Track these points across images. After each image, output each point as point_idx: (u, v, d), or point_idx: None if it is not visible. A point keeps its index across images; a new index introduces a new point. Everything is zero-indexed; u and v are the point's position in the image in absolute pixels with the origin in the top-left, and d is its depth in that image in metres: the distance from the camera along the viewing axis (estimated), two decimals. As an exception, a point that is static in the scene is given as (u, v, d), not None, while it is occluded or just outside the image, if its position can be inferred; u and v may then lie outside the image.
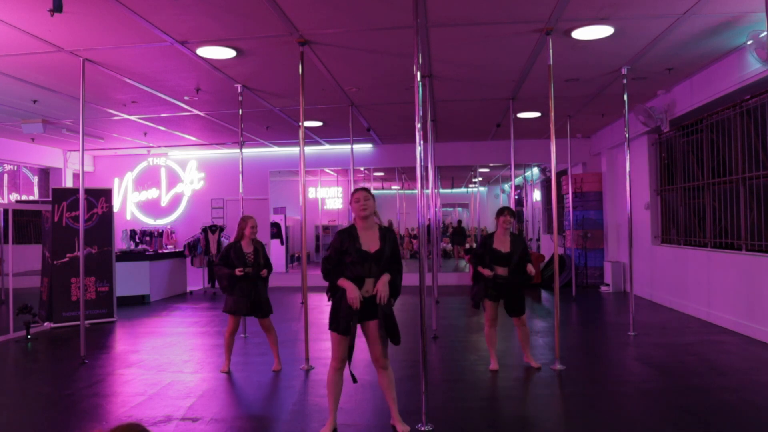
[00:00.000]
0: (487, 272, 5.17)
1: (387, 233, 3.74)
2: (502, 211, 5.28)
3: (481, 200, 19.33)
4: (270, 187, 13.01)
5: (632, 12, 5.10)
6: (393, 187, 16.88)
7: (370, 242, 3.66)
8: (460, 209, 21.81)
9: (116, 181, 13.27)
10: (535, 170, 16.27)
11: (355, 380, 3.82)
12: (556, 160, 5.75)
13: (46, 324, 8.00)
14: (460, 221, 20.07)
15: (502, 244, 5.22)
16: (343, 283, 3.61)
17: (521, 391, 4.84)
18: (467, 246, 17.63)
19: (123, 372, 5.56)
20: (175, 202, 13.26)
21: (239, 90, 7.27)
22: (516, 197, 15.41)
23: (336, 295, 3.70)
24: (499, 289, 5.22)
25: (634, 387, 4.78)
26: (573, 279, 10.43)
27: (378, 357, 3.75)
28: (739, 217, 7.04)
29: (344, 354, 3.70)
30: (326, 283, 3.77)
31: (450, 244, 19.25)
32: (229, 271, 5.30)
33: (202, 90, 7.49)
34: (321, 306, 9.59)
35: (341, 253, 3.64)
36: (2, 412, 4.46)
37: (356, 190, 3.75)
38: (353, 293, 3.57)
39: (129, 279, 10.06)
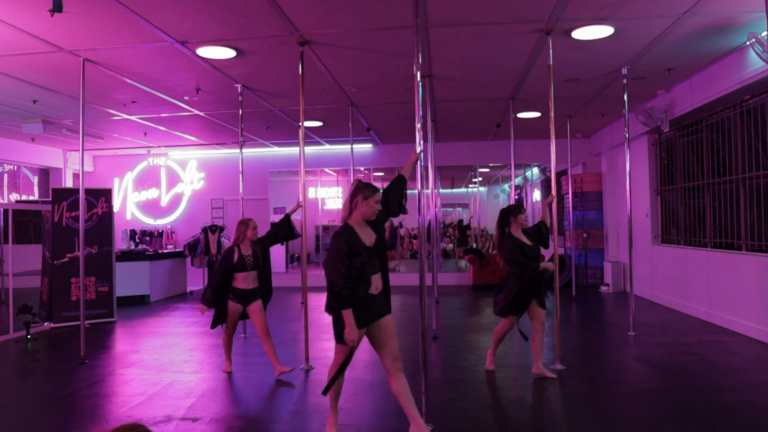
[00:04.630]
0: (550, 265, 4.97)
1: (374, 224, 3.58)
2: (520, 209, 5.05)
3: (481, 200, 19.31)
4: (270, 187, 13.01)
5: (632, 12, 5.10)
6: (393, 187, 16.83)
7: (366, 238, 3.52)
8: (460, 209, 21.80)
9: (116, 181, 13.26)
10: (535, 170, 16.27)
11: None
12: (556, 160, 5.76)
13: (46, 324, 8.00)
14: (461, 221, 20.04)
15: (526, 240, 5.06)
16: (348, 317, 3.30)
17: (521, 391, 4.83)
18: (467, 246, 17.59)
19: (123, 372, 5.56)
20: (175, 202, 13.25)
21: (239, 90, 7.26)
22: (516, 197, 15.38)
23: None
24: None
25: (634, 387, 4.78)
26: (573, 279, 10.43)
27: (396, 356, 3.50)
28: (739, 217, 7.04)
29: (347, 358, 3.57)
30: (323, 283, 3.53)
31: (450, 244, 19.23)
32: (216, 289, 5.26)
33: (202, 90, 7.49)
34: (321, 306, 9.57)
35: (353, 256, 3.34)
36: (2, 412, 4.47)
37: (374, 189, 3.50)
38: (352, 335, 3.30)
39: (129, 279, 10.07)
